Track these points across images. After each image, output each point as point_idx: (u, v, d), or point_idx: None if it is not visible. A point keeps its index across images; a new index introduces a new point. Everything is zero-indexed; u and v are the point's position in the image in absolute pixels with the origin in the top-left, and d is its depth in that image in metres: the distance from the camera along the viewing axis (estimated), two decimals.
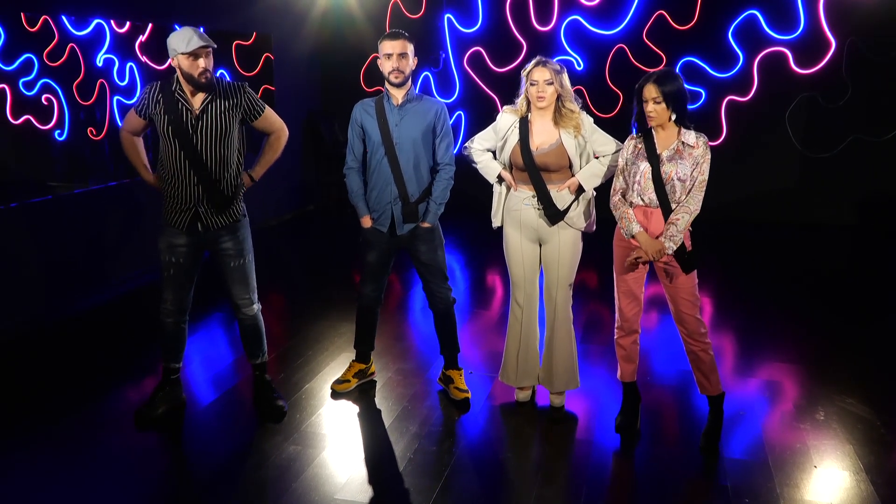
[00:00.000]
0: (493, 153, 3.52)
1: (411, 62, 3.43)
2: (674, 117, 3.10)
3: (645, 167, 3.14)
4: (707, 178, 3.14)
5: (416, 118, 3.47)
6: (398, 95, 3.47)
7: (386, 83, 3.47)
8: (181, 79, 3.15)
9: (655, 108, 3.07)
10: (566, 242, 3.41)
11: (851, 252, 6.71)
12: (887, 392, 3.83)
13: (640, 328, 3.42)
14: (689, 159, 3.11)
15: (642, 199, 3.18)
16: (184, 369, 4.15)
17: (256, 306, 3.50)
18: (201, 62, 3.07)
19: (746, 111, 7.38)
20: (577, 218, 3.40)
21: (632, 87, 3.28)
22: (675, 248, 3.12)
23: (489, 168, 3.49)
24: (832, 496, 2.95)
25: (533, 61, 3.28)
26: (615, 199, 3.26)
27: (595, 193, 3.47)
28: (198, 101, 3.18)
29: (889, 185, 7.20)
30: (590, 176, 3.34)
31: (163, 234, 3.33)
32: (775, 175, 7.50)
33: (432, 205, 3.53)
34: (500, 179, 3.49)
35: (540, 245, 3.48)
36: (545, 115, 3.34)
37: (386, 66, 3.41)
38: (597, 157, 3.37)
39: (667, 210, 3.14)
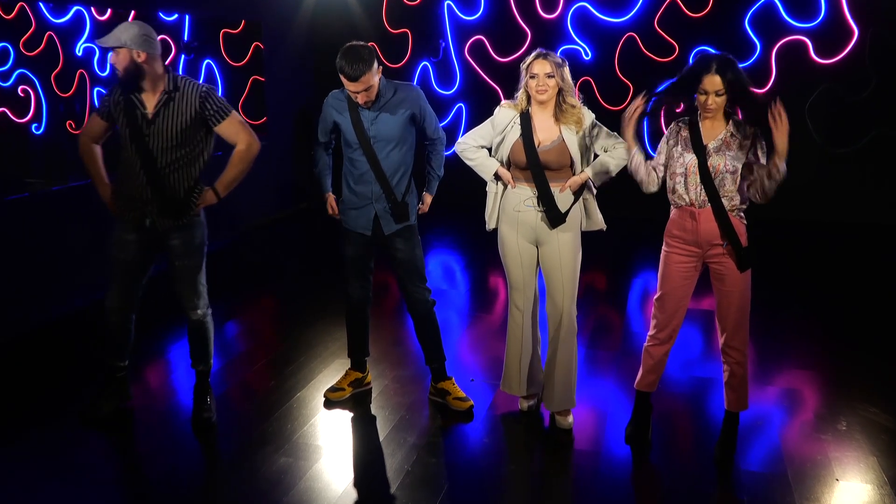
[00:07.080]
0: (489, 150, 3.39)
1: (376, 83, 3.25)
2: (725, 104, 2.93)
3: (690, 159, 2.99)
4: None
5: (390, 114, 3.35)
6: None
7: None
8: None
9: (716, 100, 2.90)
10: (565, 244, 3.27)
11: (873, 252, 6.54)
12: None
13: (675, 340, 3.26)
14: (740, 150, 2.99)
15: (687, 196, 3.02)
16: (170, 376, 4.15)
17: (202, 312, 3.42)
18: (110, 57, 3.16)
19: None
20: (576, 218, 3.29)
21: (642, 78, 3.12)
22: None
23: (485, 166, 3.35)
24: None
25: (533, 53, 3.20)
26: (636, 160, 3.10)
27: (595, 192, 3.36)
28: (151, 102, 3.20)
29: None
30: (599, 172, 3.24)
31: (115, 229, 3.34)
32: (793, 171, 7.17)
33: (433, 175, 3.58)
34: (497, 178, 3.34)
35: (537, 247, 3.35)
36: (546, 110, 3.24)
37: (353, 95, 3.26)
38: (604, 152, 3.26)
39: (717, 207, 2.98)
